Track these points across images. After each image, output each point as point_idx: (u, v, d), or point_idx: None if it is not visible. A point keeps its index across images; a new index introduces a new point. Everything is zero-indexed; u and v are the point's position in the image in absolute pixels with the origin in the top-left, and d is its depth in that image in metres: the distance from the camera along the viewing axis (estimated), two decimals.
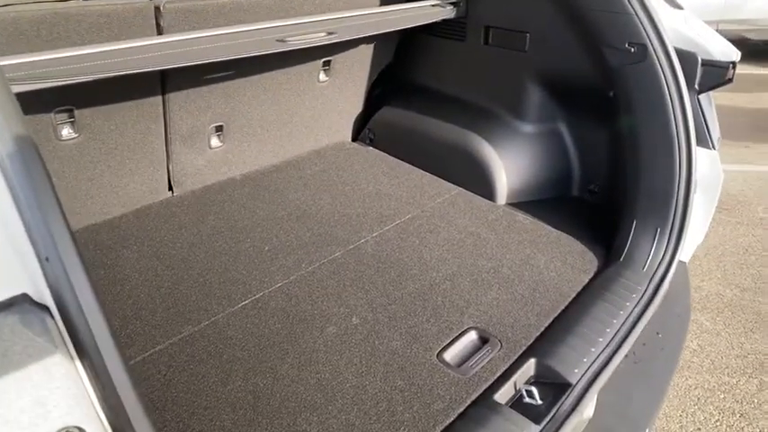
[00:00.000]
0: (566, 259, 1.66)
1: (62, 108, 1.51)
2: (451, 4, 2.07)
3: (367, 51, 2.24)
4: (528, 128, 2.02)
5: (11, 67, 1.15)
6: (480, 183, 2.00)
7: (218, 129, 1.94)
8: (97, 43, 1.33)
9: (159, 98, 1.71)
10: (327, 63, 2.13)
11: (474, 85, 2.15)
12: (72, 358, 0.55)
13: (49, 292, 0.54)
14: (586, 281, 1.56)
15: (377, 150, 2.37)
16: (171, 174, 1.90)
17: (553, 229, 1.80)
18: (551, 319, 1.40)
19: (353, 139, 2.48)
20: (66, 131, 1.56)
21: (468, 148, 2.04)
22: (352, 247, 1.69)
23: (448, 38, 2.18)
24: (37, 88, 1.16)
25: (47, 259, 0.53)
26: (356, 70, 2.28)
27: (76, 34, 1.39)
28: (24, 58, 1.18)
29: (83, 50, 1.27)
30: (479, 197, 1.99)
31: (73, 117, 1.54)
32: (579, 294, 1.50)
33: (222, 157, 2.01)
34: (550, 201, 1.98)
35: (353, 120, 2.45)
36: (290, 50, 1.64)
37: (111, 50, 1.30)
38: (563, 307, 1.45)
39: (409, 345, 1.31)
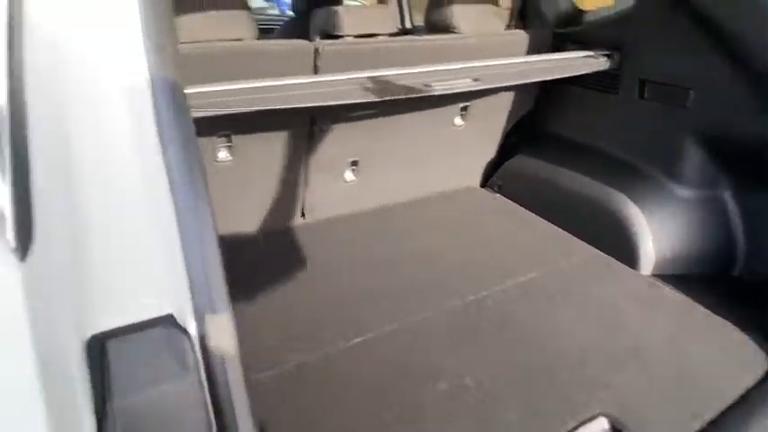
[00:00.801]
0: (724, 350, 1.41)
1: (223, 133, 1.65)
2: (605, 55, 1.95)
3: (506, 99, 2.19)
4: (684, 192, 1.80)
5: (192, 95, 1.28)
6: (621, 246, 1.81)
7: (354, 163, 2.01)
8: (264, 78, 1.45)
9: (307, 130, 1.81)
10: (465, 108, 2.11)
11: (622, 139, 1.99)
12: (202, 386, 0.55)
13: (194, 317, 0.54)
14: (752, 383, 1.31)
15: (505, 199, 2.28)
16: (305, 201, 1.99)
17: (708, 311, 1.56)
18: (705, 424, 1.19)
19: (482, 185, 2.42)
20: (223, 154, 1.69)
21: (610, 206, 1.87)
22: (472, 298, 1.61)
23: (596, 89, 2.05)
24: (211, 115, 1.28)
25: (197, 282, 0.53)
26: (493, 117, 2.23)
27: (248, 69, 1.53)
28: (204, 87, 1.32)
29: (252, 84, 1.40)
30: (618, 262, 1.80)
31: (230, 142, 1.68)
32: (744, 398, 1.26)
33: (354, 190, 2.06)
34: (706, 278, 1.72)
35: (484, 165, 2.40)
36: (433, 94, 1.65)
37: (274, 86, 1.41)
38: (721, 411, 1.22)
39: (527, 421, 1.19)
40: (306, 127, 1.80)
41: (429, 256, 1.84)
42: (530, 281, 1.71)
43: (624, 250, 1.80)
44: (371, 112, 1.89)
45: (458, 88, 1.64)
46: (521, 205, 2.21)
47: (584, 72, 1.94)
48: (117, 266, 0.52)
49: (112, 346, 0.50)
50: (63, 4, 0.49)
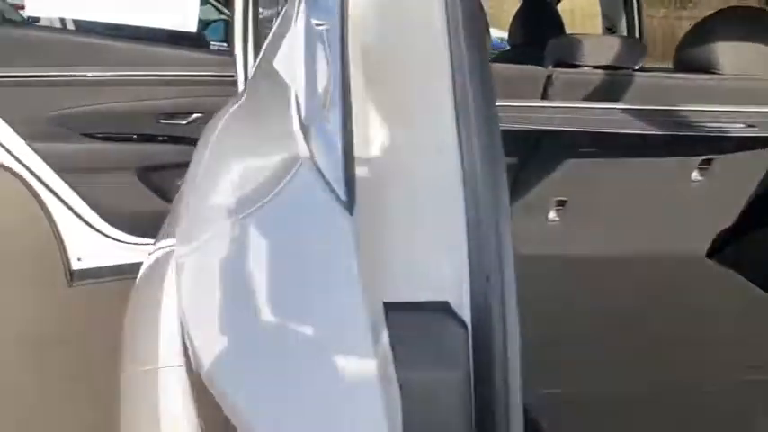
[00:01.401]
0: None
1: None
2: None
3: (765, 157, 1.82)
4: None
5: None
6: None
7: (560, 203, 1.85)
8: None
9: (517, 159, 1.72)
10: (708, 161, 1.80)
11: None
12: (469, 382, 0.52)
13: (470, 310, 0.53)
14: None
15: (741, 277, 1.88)
16: None
17: None
18: None
19: (708, 255, 2.04)
20: None
21: None
22: (690, 381, 1.32)
23: None
24: None
25: (487, 279, 0.53)
26: (742, 177, 1.87)
27: None
28: None
29: None
30: None
31: None
32: None
33: (555, 231, 1.90)
34: None
35: (717, 233, 2.02)
36: (669, 138, 1.45)
37: (505, 106, 1.37)
38: None
39: None
40: (517, 155, 1.71)
41: (632, 321, 1.58)
42: None
43: None
44: (593, 150, 1.72)
45: (722, 132, 1.40)
46: (762, 289, 1.80)
47: None
48: (409, 244, 0.56)
49: (394, 318, 0.52)
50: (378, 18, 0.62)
